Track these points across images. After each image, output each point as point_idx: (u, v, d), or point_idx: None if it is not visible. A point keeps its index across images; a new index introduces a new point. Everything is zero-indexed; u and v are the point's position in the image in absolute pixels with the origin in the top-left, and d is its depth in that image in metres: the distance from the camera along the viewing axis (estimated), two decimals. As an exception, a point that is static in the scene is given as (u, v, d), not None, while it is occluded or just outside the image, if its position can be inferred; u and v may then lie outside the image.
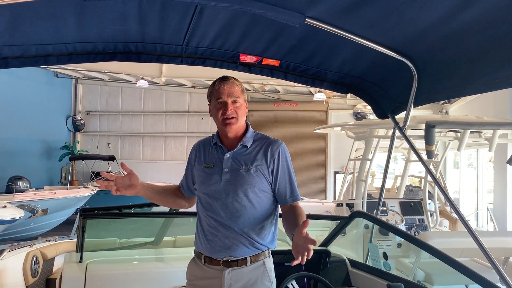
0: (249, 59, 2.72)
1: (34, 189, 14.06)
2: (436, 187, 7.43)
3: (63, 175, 18.80)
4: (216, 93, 2.25)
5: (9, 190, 13.34)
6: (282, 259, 2.48)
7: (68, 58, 2.49)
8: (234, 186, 2.20)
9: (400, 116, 2.99)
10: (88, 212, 3.13)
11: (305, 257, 1.89)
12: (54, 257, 4.56)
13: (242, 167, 2.22)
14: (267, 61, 2.73)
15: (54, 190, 13.74)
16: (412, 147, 2.73)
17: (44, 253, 4.34)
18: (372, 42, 2.31)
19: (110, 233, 4.25)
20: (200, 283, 2.23)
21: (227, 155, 2.25)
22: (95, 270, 2.81)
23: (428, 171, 2.62)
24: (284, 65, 2.78)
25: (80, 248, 2.98)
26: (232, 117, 2.22)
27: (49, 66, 16.71)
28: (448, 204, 8.57)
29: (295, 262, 1.91)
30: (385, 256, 3.33)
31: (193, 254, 2.34)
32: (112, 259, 3.10)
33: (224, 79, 2.27)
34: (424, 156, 7.48)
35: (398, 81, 2.70)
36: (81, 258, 2.91)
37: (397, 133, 2.99)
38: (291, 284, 2.66)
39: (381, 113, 2.99)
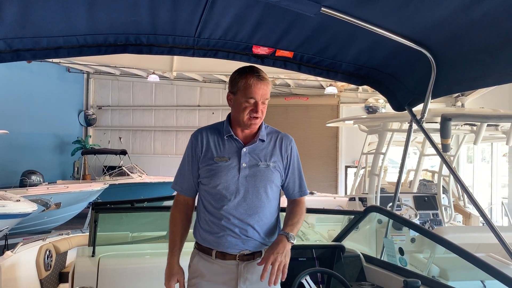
0: (262, 50, 2.66)
1: (47, 183, 14.21)
2: (450, 182, 7.32)
3: (76, 169, 19.00)
4: (248, 91, 2.15)
5: (22, 184, 13.49)
6: (295, 254, 2.43)
7: (79, 50, 2.46)
8: (253, 182, 2.18)
9: (416, 109, 2.92)
10: (100, 206, 3.11)
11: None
12: (67, 251, 4.58)
13: (261, 162, 2.21)
14: (280, 53, 2.67)
15: (66, 184, 13.87)
16: (430, 140, 2.66)
17: (57, 246, 4.35)
18: (390, 31, 2.24)
19: (123, 227, 4.25)
20: (215, 279, 2.17)
21: (244, 149, 2.21)
22: (108, 264, 2.79)
23: (447, 164, 2.55)
24: (298, 56, 2.72)
25: (92, 242, 2.96)
26: (258, 117, 2.19)
27: (61, 61, 16.84)
28: (463, 199, 8.46)
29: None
30: (401, 251, 3.27)
31: None
32: (124, 253, 3.08)
33: (260, 78, 2.17)
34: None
35: (416, 72, 2.63)
36: (93, 252, 2.89)
37: (414, 126, 2.92)
38: (305, 279, 2.61)
39: (398, 106, 2.92)
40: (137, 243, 3.66)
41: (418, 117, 2.77)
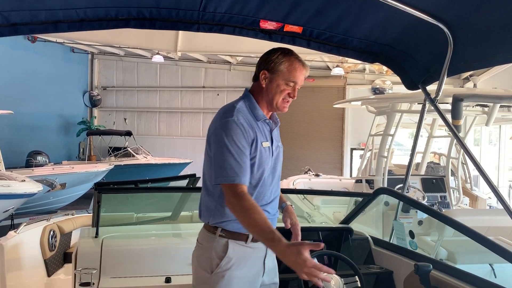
0: (270, 25, 2.54)
1: (52, 163, 14.24)
2: (459, 164, 7.22)
3: (81, 150, 19.04)
4: (292, 74, 2.11)
5: (28, 165, 13.53)
6: (302, 236, 2.36)
7: (79, 25, 2.36)
8: (278, 163, 2.23)
9: (430, 88, 2.81)
10: (103, 187, 3.05)
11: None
12: (72, 231, 4.54)
13: (279, 143, 2.26)
14: (289, 28, 2.56)
15: (72, 165, 13.90)
16: (445, 120, 2.55)
17: (61, 227, 4.32)
18: (404, 4, 2.12)
19: (128, 207, 4.21)
20: (245, 263, 2.12)
21: (274, 132, 2.23)
22: (111, 245, 2.74)
23: (462, 145, 2.45)
24: (308, 32, 2.60)
25: (96, 223, 2.91)
26: (290, 101, 2.20)
27: (65, 41, 16.68)
28: (470, 181, 8.37)
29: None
30: (411, 234, 3.20)
31: None
32: (128, 234, 3.03)
33: (303, 63, 2.15)
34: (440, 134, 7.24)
35: (431, 48, 2.51)
36: (96, 233, 2.84)
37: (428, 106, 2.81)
38: (313, 262, 2.55)
39: (411, 84, 2.80)
40: (141, 224, 3.61)
41: (432, 96, 2.65)
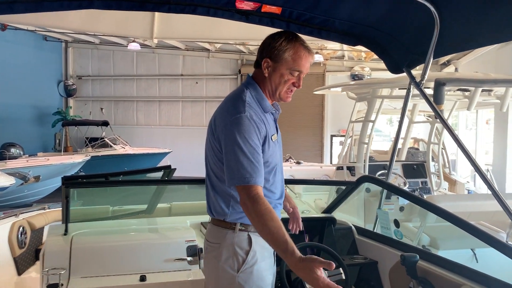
0: (246, 5, 2.37)
1: (27, 155, 13.85)
2: (439, 149, 7.22)
3: (57, 141, 18.55)
4: (297, 63, 1.98)
5: (2, 157, 13.12)
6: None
7: (38, 5, 2.16)
8: (281, 153, 2.15)
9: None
10: (70, 181, 2.87)
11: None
12: (44, 227, 4.34)
13: (280, 132, 2.17)
14: (267, 8, 2.39)
15: (47, 157, 13.53)
16: (431, 105, 2.45)
17: (32, 223, 4.11)
18: (389, -18, 1.99)
19: (104, 200, 4.03)
20: (266, 254, 2.03)
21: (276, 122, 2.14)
22: (81, 243, 2.57)
23: (448, 129, 2.36)
24: (287, 12, 2.44)
25: (65, 219, 2.73)
26: (294, 91, 2.09)
27: (36, 29, 16.12)
28: (448, 166, 8.42)
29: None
30: (396, 223, 3.12)
31: (188, 223, 2.09)
32: (100, 230, 2.86)
33: (309, 50, 2.02)
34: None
35: (417, 29, 2.39)
36: (66, 230, 2.66)
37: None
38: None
39: (395, 68, 2.68)
40: (115, 219, 3.43)
41: (417, 79, 2.54)
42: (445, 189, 7.71)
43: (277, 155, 2.06)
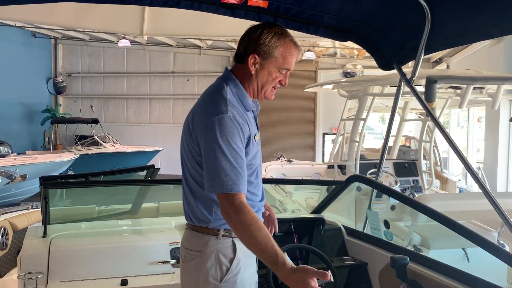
0: (232, -1, 2.29)
1: (15, 154, 13.64)
2: (431, 147, 7.19)
3: (46, 139, 18.33)
4: (287, 61, 1.86)
5: (-11, 155, 12.90)
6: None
7: (13, -4, 2.05)
8: (260, 153, 1.98)
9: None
10: (49, 181, 2.76)
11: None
12: (27, 228, 4.21)
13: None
14: (253, 2, 2.30)
15: (36, 155, 13.35)
16: (422, 102, 2.38)
17: (14, 223, 3.99)
18: (379, -26, 1.91)
19: (92, 199, 3.93)
20: (250, 260, 1.91)
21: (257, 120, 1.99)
22: (60, 245, 2.47)
23: (439, 127, 2.29)
24: (274, 6, 2.36)
25: (44, 220, 2.63)
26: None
27: (25, 25, 15.89)
28: (440, 164, 8.40)
29: None
30: (386, 224, 3.05)
31: (173, 224, 1.97)
32: (81, 232, 2.76)
33: (298, 46, 1.90)
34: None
35: (407, 24, 2.31)
36: (45, 232, 2.56)
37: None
38: (283, 257, 2.36)
39: (385, 64, 2.61)
40: (99, 219, 3.33)
41: (408, 76, 2.47)
42: (437, 187, 7.69)
43: (259, 156, 1.94)
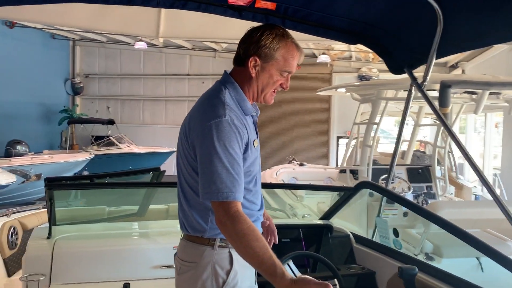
0: (239, 1, 2.26)
1: (32, 153, 13.85)
2: (445, 153, 7.05)
3: (63, 139, 18.58)
4: (288, 63, 1.79)
5: (8, 154, 13.16)
6: (278, 234, 2.10)
7: (19, -3, 2.05)
8: (260, 160, 1.91)
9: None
10: (54, 182, 2.75)
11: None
12: (37, 227, 4.25)
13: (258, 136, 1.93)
14: (260, 4, 2.27)
15: (52, 155, 13.53)
16: (432, 107, 2.31)
17: (24, 223, 4.02)
18: (389, -24, 1.85)
19: (101, 199, 3.92)
20: (246, 271, 1.83)
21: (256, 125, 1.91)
22: (64, 247, 2.46)
23: (451, 134, 2.22)
24: (282, 8, 2.31)
25: (49, 221, 2.62)
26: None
27: (44, 27, 16.13)
28: (455, 170, 8.23)
29: None
30: (395, 233, 2.98)
31: (178, 228, 1.89)
32: (86, 234, 2.75)
33: (300, 49, 1.84)
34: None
35: (419, 27, 2.25)
36: (49, 233, 2.55)
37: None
38: (288, 264, 2.31)
39: (396, 68, 2.54)
40: (106, 221, 3.32)
41: (419, 80, 2.40)
42: (452, 193, 7.53)
43: (258, 162, 1.86)
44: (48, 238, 2.54)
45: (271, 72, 1.79)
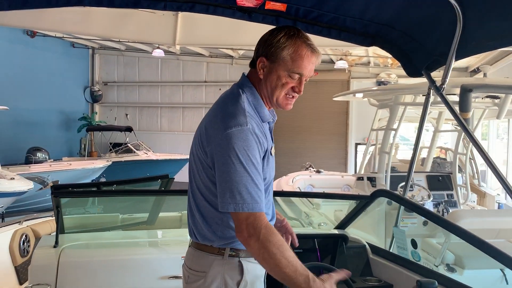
0: (248, 2, 2.18)
1: (52, 160, 14.04)
2: (466, 160, 6.84)
3: (82, 146, 18.83)
4: (297, 64, 1.67)
5: (28, 161, 13.37)
6: (291, 244, 2.01)
7: (23, 2, 2.02)
8: (274, 168, 1.83)
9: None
10: (60, 190, 2.71)
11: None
12: (50, 234, 4.23)
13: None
14: (271, 5, 2.19)
15: (70, 162, 13.69)
16: (452, 111, 2.19)
17: (36, 230, 4.00)
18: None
19: (115, 207, 3.88)
20: (257, 281, 1.76)
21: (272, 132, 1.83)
22: (71, 256, 2.40)
23: (472, 139, 2.10)
24: (293, 10, 2.22)
25: (57, 229, 2.58)
26: (295, 97, 1.77)
27: (64, 36, 16.41)
28: (477, 177, 7.99)
29: None
30: (414, 244, 2.84)
31: (188, 237, 1.84)
32: (93, 243, 2.70)
33: (314, 49, 1.71)
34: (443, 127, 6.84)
35: (437, 27, 2.13)
36: (56, 242, 2.50)
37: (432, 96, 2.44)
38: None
39: (413, 71, 2.42)
40: (114, 229, 3.26)
41: (438, 84, 2.29)
42: (474, 201, 7.30)
43: (273, 171, 1.78)
44: (54, 246, 2.49)
45: (279, 74, 1.69)
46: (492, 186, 10.33)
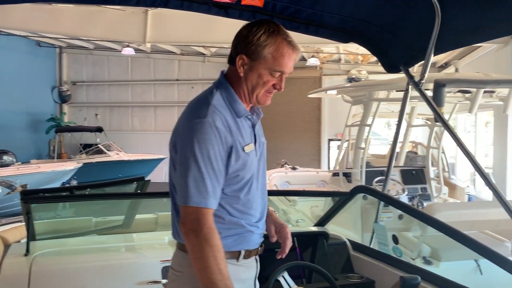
0: (224, -2, 2.13)
1: (20, 163, 13.58)
2: (438, 154, 6.97)
3: (52, 148, 18.32)
4: (278, 62, 1.65)
5: (-7, 165, 12.84)
6: (272, 244, 1.96)
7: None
8: (262, 163, 1.81)
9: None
10: (30, 195, 2.59)
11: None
12: (19, 241, 4.05)
13: (262, 138, 1.84)
14: (247, 1, 2.14)
15: (39, 164, 13.29)
16: (431, 106, 2.20)
17: (5, 237, 3.80)
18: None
19: (89, 209, 3.75)
20: (241, 286, 1.71)
21: (256, 127, 1.80)
22: (43, 264, 2.29)
23: (450, 132, 2.11)
24: (270, 5, 2.19)
25: (27, 237, 2.46)
26: (273, 93, 1.77)
27: (29, 35, 15.92)
28: (448, 170, 8.16)
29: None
30: (395, 239, 2.85)
31: (167, 240, 1.79)
32: (67, 250, 2.59)
33: (294, 46, 1.69)
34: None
35: (415, 22, 2.13)
36: (27, 249, 2.39)
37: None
38: (282, 276, 2.17)
39: (392, 66, 2.42)
40: (88, 234, 3.15)
41: (416, 79, 2.29)
42: (445, 194, 7.46)
43: (253, 168, 1.72)
44: (25, 255, 2.37)
45: (260, 72, 1.67)
46: (461, 178, 10.60)
